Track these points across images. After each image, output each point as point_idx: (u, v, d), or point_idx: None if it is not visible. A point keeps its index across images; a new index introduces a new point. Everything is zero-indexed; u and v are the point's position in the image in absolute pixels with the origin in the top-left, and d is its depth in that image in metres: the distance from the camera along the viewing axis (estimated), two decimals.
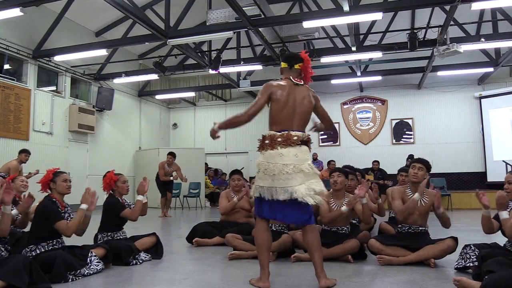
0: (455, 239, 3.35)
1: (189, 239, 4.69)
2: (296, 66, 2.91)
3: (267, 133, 2.82)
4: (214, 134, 2.83)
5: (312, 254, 2.75)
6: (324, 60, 9.69)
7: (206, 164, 13.15)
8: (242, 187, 4.87)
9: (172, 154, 9.04)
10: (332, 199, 3.89)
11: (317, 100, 2.96)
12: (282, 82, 2.87)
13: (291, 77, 2.88)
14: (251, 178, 5.33)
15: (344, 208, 3.67)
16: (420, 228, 3.54)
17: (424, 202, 3.54)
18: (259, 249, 2.80)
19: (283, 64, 2.98)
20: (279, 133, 2.76)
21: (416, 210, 3.54)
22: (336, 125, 13.01)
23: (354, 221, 4.38)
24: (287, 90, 2.83)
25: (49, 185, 3.32)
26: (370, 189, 4.75)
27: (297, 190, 2.63)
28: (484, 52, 10.35)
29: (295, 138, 2.73)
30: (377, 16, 7.12)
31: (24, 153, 7.49)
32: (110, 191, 3.99)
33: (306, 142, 2.81)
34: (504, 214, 2.86)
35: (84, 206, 3.30)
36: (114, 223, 3.88)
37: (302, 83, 2.90)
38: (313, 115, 3.00)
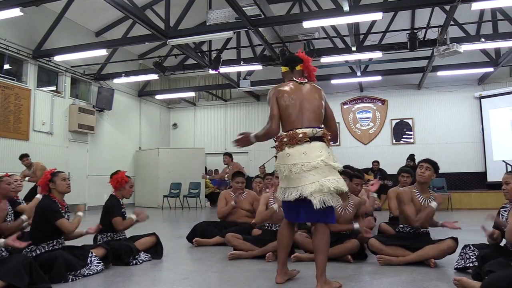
0: (455, 240, 3.35)
1: (190, 238, 4.70)
2: (298, 68, 2.92)
3: (282, 133, 2.81)
4: (242, 143, 2.82)
5: (315, 256, 2.70)
6: (324, 60, 9.69)
7: (205, 168, 13.12)
8: (243, 190, 4.91)
9: (228, 154, 8.44)
10: None
11: (326, 100, 2.94)
12: (286, 84, 2.87)
13: (294, 78, 2.89)
14: (250, 178, 5.37)
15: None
16: (422, 230, 3.52)
17: (427, 204, 3.52)
18: (277, 245, 2.89)
19: (284, 68, 2.98)
20: (285, 133, 2.75)
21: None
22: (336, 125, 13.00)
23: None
24: (292, 90, 2.81)
25: (49, 186, 3.31)
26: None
27: (306, 189, 2.57)
28: (484, 52, 10.34)
29: (301, 135, 2.66)
30: (377, 16, 7.11)
31: (22, 159, 7.60)
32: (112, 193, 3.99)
33: (320, 137, 2.70)
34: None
35: (80, 213, 3.39)
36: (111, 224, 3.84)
37: (306, 81, 2.91)
38: None
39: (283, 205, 2.83)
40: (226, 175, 8.57)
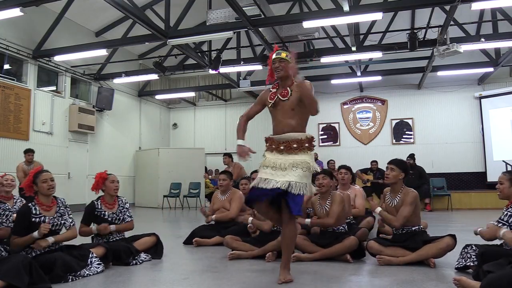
0: (453, 237, 3.34)
1: (187, 243, 4.69)
2: None
3: (311, 135, 2.98)
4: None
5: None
6: (324, 60, 9.69)
7: (206, 168, 13.07)
8: (228, 187, 4.93)
9: (228, 155, 8.24)
10: (318, 201, 3.92)
11: None
12: None
13: None
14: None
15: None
16: (413, 228, 3.50)
17: (396, 202, 3.54)
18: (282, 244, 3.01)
19: None
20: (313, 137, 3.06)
21: (394, 211, 3.53)
22: (336, 125, 13.03)
23: (349, 220, 4.39)
24: None
25: (33, 188, 3.22)
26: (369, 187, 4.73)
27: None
28: (484, 52, 10.34)
29: None
30: (377, 16, 7.11)
31: (27, 153, 7.65)
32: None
33: None
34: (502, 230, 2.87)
35: (35, 234, 3.04)
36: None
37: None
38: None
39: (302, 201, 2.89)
40: None
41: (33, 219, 3.11)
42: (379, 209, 3.57)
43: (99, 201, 3.83)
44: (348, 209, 4.26)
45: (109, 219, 3.77)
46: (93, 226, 3.72)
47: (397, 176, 3.53)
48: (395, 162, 3.60)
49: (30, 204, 3.17)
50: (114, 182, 3.84)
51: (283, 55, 2.99)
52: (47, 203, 3.23)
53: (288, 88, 2.98)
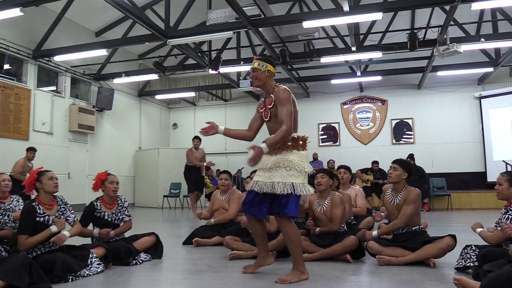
0: (453, 237, 3.34)
1: (187, 243, 4.69)
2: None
3: (299, 135, 2.97)
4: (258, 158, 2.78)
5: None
6: (324, 60, 9.69)
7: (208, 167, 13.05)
8: (228, 187, 4.94)
9: (198, 138, 8.73)
10: (316, 200, 3.91)
11: None
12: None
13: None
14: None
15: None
16: (414, 228, 3.50)
17: (398, 201, 3.55)
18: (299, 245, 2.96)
19: (273, 69, 3.13)
20: (304, 136, 2.99)
21: (395, 210, 3.55)
22: (336, 125, 13.04)
23: (350, 220, 4.39)
24: None
25: (35, 186, 3.23)
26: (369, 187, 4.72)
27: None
28: (484, 52, 10.35)
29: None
30: (377, 16, 7.12)
31: (29, 151, 7.80)
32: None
33: None
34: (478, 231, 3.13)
35: (54, 228, 3.11)
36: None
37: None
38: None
39: (295, 200, 2.88)
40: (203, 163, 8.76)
41: (38, 219, 3.12)
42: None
43: (99, 201, 3.80)
44: (349, 209, 4.26)
45: (109, 219, 3.75)
46: (95, 230, 3.69)
47: (400, 176, 3.54)
48: (398, 162, 3.62)
49: (33, 204, 3.17)
50: (113, 183, 3.79)
51: (255, 64, 3.08)
52: (48, 201, 3.24)
53: (272, 96, 3.04)
